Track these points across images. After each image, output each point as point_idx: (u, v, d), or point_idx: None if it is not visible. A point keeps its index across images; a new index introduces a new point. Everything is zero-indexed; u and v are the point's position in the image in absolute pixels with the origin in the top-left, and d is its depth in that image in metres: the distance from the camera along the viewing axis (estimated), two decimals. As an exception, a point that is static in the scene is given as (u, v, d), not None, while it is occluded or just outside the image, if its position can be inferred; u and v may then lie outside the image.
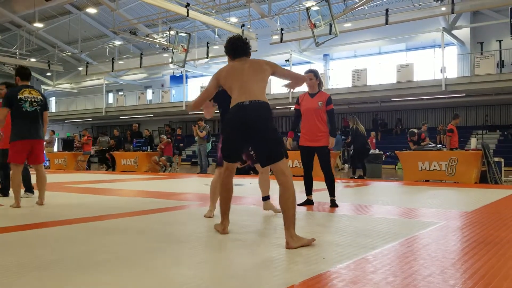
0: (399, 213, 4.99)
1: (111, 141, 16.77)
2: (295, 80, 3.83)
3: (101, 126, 34.86)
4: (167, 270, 2.53)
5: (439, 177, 9.63)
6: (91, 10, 23.61)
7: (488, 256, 2.86)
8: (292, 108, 21.61)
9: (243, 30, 18.66)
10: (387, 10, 15.64)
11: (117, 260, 2.75)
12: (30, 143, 5.37)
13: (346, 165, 12.00)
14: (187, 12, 16.34)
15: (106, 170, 16.22)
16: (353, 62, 24.55)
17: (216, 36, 24.88)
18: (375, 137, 18.50)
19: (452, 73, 20.21)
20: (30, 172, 6.59)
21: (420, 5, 18.10)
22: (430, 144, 10.69)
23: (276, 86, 23.50)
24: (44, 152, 19.70)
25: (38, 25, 25.04)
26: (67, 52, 29.85)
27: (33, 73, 31.56)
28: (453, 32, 20.16)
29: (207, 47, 20.31)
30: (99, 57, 28.60)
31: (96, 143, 17.58)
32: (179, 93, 28.10)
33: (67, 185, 8.90)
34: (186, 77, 28.10)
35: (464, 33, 20.76)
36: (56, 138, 24.04)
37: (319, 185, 5.80)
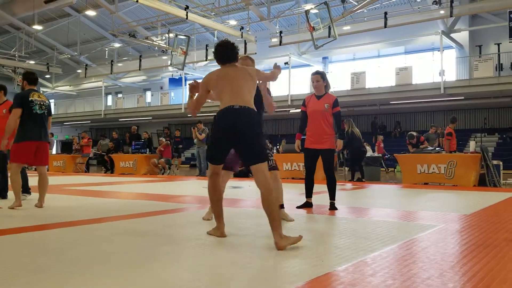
0: (398, 216, 4.99)
1: (109, 143, 16.76)
2: (271, 80, 3.92)
3: (100, 129, 34.84)
4: (166, 273, 2.52)
5: (438, 180, 9.63)
6: (90, 13, 23.60)
7: (487, 259, 2.86)
8: (291, 111, 21.57)
9: (242, 33, 18.70)
10: (386, 13, 15.69)
11: (116, 263, 2.74)
12: (36, 145, 5.42)
13: (346, 168, 12.01)
14: (187, 15, 16.37)
15: (104, 173, 16.21)
16: (352, 65, 24.60)
17: (215, 38, 24.85)
18: (382, 141, 18.47)
19: (451, 76, 20.25)
20: (32, 174, 6.59)
21: (419, 8, 18.19)
22: (428, 147, 10.70)
23: (276, 88, 23.54)
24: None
25: (37, 27, 25.03)
26: (66, 55, 29.86)
27: (32, 75, 31.67)
28: (452, 35, 20.21)
29: (206, 49, 20.34)
30: (98, 60, 28.61)
31: (97, 146, 17.58)
32: (178, 96, 28.12)
33: (65, 187, 8.89)
34: (185, 80, 28.11)
35: (462, 36, 20.81)
36: (55, 141, 24.06)
37: (318, 187, 5.80)
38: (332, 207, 5.25)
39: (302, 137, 5.50)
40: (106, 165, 16.66)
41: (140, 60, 22.86)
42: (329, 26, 14.78)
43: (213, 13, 18.83)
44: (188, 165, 23.74)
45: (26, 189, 6.39)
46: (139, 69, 23.45)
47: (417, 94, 19.69)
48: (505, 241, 3.45)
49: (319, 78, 5.37)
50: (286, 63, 22.73)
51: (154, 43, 20.90)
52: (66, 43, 29.11)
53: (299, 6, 21.46)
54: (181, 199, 6.88)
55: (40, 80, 32.36)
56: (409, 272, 2.54)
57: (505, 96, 19.05)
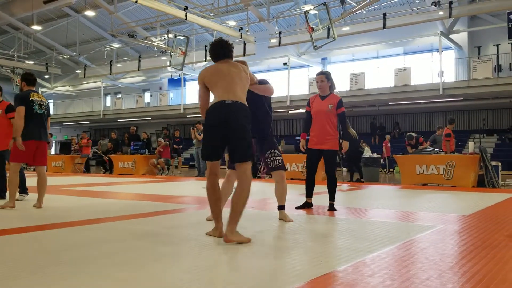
0: (397, 216, 4.99)
1: (108, 144, 16.74)
2: (257, 90, 4.09)
3: (99, 129, 34.82)
4: (165, 273, 2.52)
5: (436, 181, 9.64)
6: (90, 13, 23.60)
7: (486, 259, 2.86)
8: (290, 112, 21.55)
9: (241, 33, 18.69)
10: (385, 14, 15.70)
11: (114, 263, 2.74)
12: (36, 144, 5.43)
13: (345, 169, 12.01)
14: (186, 15, 16.36)
15: (103, 173, 16.19)
16: (351, 66, 24.61)
17: (214, 39, 24.90)
18: (390, 141, 18.46)
19: (450, 77, 20.26)
20: (31, 174, 6.58)
21: (418, 9, 18.19)
22: (428, 148, 10.71)
23: (275, 89, 23.49)
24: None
25: (36, 27, 25.02)
26: (65, 55, 29.84)
27: (31, 76, 31.67)
28: (451, 36, 20.23)
29: (205, 50, 20.31)
30: (97, 60, 28.58)
31: (97, 146, 17.55)
32: (177, 96, 28.12)
33: (64, 187, 8.88)
34: (184, 80, 28.13)
35: (461, 37, 20.84)
36: (54, 141, 24.02)
37: (317, 188, 5.80)
38: (331, 208, 5.25)
39: (307, 137, 5.50)
40: (105, 166, 16.65)
41: (139, 61, 22.85)
42: (328, 27, 14.79)
43: (212, 14, 18.83)
44: (187, 166, 23.74)
45: (23, 190, 6.38)
46: (138, 70, 23.42)
47: (416, 95, 19.70)
48: (504, 241, 3.45)
49: (324, 79, 5.36)
50: (285, 63, 22.74)
51: (153, 43, 20.89)
52: (65, 44, 29.10)
53: (298, 7, 21.46)
54: (180, 199, 6.87)
55: (39, 80, 32.50)
56: (408, 272, 2.54)
57: (504, 97, 19.07)
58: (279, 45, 18.58)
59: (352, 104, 21.53)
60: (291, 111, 23.77)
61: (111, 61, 24.73)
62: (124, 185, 10.02)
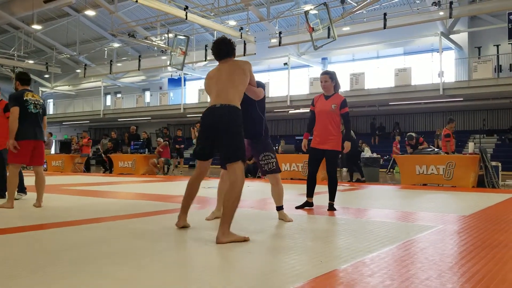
0: (397, 216, 4.99)
1: (108, 143, 16.74)
2: (252, 94, 4.05)
3: (99, 129, 34.82)
4: (165, 273, 2.52)
5: (436, 181, 9.64)
6: (90, 13, 23.59)
7: (486, 260, 2.86)
8: (290, 112, 21.55)
9: (241, 33, 18.69)
10: (385, 14, 15.70)
11: (114, 263, 2.74)
12: (33, 144, 5.42)
13: (344, 169, 12.01)
14: (186, 15, 16.35)
15: (103, 173, 16.19)
16: (351, 66, 24.60)
17: (215, 39, 24.87)
18: (399, 141, 18.43)
19: (450, 77, 20.26)
20: (29, 174, 6.58)
21: (418, 9, 18.19)
22: (428, 148, 10.71)
23: (275, 89, 23.55)
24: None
25: (36, 27, 25.01)
26: (65, 54, 29.83)
27: (31, 75, 31.61)
28: (451, 36, 20.23)
29: (206, 50, 20.33)
30: (97, 60, 28.58)
31: (99, 145, 17.54)
32: (177, 96, 28.11)
33: (64, 187, 8.88)
34: (184, 80, 28.12)
35: (462, 37, 20.83)
36: (54, 140, 24.01)
37: (317, 188, 5.79)
38: (331, 208, 5.25)
39: (310, 137, 5.49)
40: (105, 165, 16.65)
41: (139, 60, 22.84)
42: (329, 27, 14.78)
43: (212, 14, 18.82)
44: (187, 166, 23.73)
45: (22, 189, 6.38)
46: (138, 69, 23.41)
47: (416, 95, 19.69)
48: (503, 242, 3.45)
49: (327, 78, 5.35)
50: (285, 63, 22.73)
51: (154, 43, 20.89)
52: (65, 43, 29.09)
53: (299, 7, 21.45)
54: (180, 199, 6.86)
55: (39, 79, 32.58)
56: (407, 272, 2.54)
57: (504, 98, 19.07)
58: (279, 45, 18.57)
59: (352, 104, 21.47)
60: (291, 111, 23.76)
61: (111, 61, 24.72)
62: (124, 184, 10.02)
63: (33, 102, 5.46)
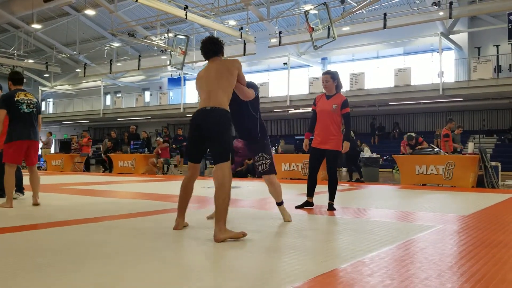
0: (396, 216, 4.99)
1: (108, 143, 16.74)
2: (242, 93, 4.00)
3: (99, 128, 34.81)
4: (164, 272, 2.52)
5: (436, 181, 9.63)
6: (90, 12, 23.58)
7: (485, 259, 2.86)
8: (290, 111, 21.53)
9: (241, 33, 18.68)
10: (385, 14, 15.70)
11: (113, 262, 2.74)
12: (27, 144, 5.41)
13: (344, 169, 12.01)
14: (186, 15, 16.34)
15: (103, 172, 16.19)
16: (351, 66, 24.61)
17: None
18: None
19: (450, 77, 20.27)
20: (26, 173, 6.57)
21: (418, 9, 18.19)
22: (427, 148, 10.71)
23: (274, 89, 23.54)
24: (40, 153, 19.76)
25: (36, 26, 25.00)
26: (65, 54, 29.81)
27: (30, 75, 31.78)
28: (451, 36, 20.23)
29: (205, 49, 20.28)
30: (97, 59, 28.57)
31: (102, 145, 17.53)
32: (177, 96, 28.11)
33: (63, 186, 8.87)
34: (184, 80, 28.11)
35: (461, 37, 20.84)
36: (53, 140, 24.00)
37: (316, 188, 5.80)
38: (330, 208, 5.25)
39: (311, 137, 5.49)
40: (105, 165, 16.64)
41: (139, 60, 22.83)
42: (328, 27, 14.78)
43: (212, 13, 18.82)
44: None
45: (20, 189, 6.38)
46: (138, 69, 23.40)
47: (416, 95, 19.70)
48: (503, 241, 3.45)
49: (329, 79, 5.34)
50: (285, 63, 22.73)
51: (153, 42, 20.88)
52: (65, 42, 29.07)
53: (299, 7, 21.45)
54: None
55: (38, 79, 32.58)
56: (407, 272, 2.54)
57: (503, 98, 19.08)
58: (279, 45, 18.56)
59: (352, 104, 21.36)
60: (291, 111, 23.76)
61: (111, 60, 24.71)
62: (123, 184, 10.02)
63: (25, 101, 5.42)
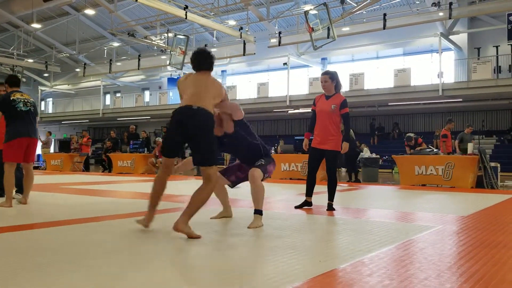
0: (396, 217, 4.99)
1: (107, 142, 16.73)
2: (226, 108, 4.00)
3: (98, 128, 34.80)
4: (164, 272, 2.52)
5: (435, 182, 9.64)
6: (89, 12, 23.56)
7: (485, 260, 2.87)
8: (289, 112, 21.54)
9: (241, 33, 18.69)
10: (385, 14, 15.71)
11: (112, 261, 2.74)
12: (27, 141, 5.41)
13: (343, 169, 12.01)
14: (186, 15, 16.35)
15: (102, 172, 16.19)
16: (350, 66, 24.62)
17: (214, 38, 24.92)
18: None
19: (449, 78, 20.28)
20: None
21: (418, 10, 18.19)
22: (427, 148, 10.71)
23: (274, 89, 23.55)
24: (40, 153, 19.76)
25: (36, 25, 24.98)
26: (64, 53, 29.80)
27: (30, 74, 31.77)
28: (451, 37, 20.24)
29: (205, 49, 20.29)
30: (97, 59, 28.56)
31: (104, 144, 17.54)
32: (177, 95, 27.90)
33: (63, 186, 8.87)
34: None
35: (461, 38, 20.85)
36: (53, 139, 23.99)
37: (316, 188, 5.80)
38: (330, 208, 5.25)
39: (311, 137, 5.49)
40: (104, 164, 16.64)
41: (139, 60, 22.83)
42: (328, 27, 14.78)
43: (212, 13, 18.82)
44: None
45: (20, 190, 6.37)
46: (138, 69, 23.40)
47: (415, 96, 19.70)
48: (502, 242, 3.45)
49: (327, 79, 5.34)
50: (285, 63, 22.73)
51: (153, 42, 20.88)
52: (65, 42, 29.06)
53: (298, 7, 21.45)
54: (180, 198, 6.87)
55: (38, 78, 32.56)
56: (406, 272, 2.55)
57: (503, 99, 19.09)
58: (279, 45, 18.57)
59: (352, 105, 21.41)
60: (291, 111, 23.76)
61: (110, 60, 24.71)
62: (123, 184, 10.01)
63: (22, 100, 5.44)
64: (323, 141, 5.27)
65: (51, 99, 36.16)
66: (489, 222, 4.51)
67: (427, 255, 2.97)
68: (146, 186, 9.31)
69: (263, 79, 25.93)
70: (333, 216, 4.85)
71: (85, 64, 26.77)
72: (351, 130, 11.24)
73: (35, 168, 15.66)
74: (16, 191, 6.09)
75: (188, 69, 26.17)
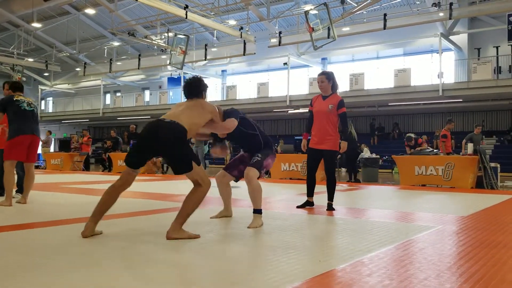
0: (396, 217, 4.99)
1: (107, 142, 16.73)
2: (217, 129, 3.97)
3: (98, 127, 34.80)
4: (163, 272, 2.52)
5: (435, 182, 9.64)
6: (90, 11, 23.57)
7: (484, 260, 2.87)
8: (289, 112, 21.54)
9: (241, 33, 18.69)
10: (385, 14, 15.70)
11: (111, 261, 2.74)
12: (30, 139, 5.43)
13: (343, 169, 12.01)
14: (186, 14, 16.34)
15: (102, 171, 16.18)
16: (350, 66, 24.62)
17: (215, 38, 24.91)
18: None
19: (449, 78, 20.28)
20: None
21: (418, 10, 18.20)
22: (427, 149, 10.71)
23: (274, 89, 23.55)
24: (40, 152, 19.75)
25: (36, 25, 24.98)
26: (65, 53, 29.80)
27: (30, 73, 31.76)
28: (451, 37, 20.24)
29: (205, 49, 20.32)
30: (97, 58, 28.57)
31: (105, 144, 17.55)
32: (177, 95, 28.09)
33: (63, 185, 8.87)
34: (184, 79, 28.09)
35: (461, 38, 20.85)
36: (53, 139, 23.99)
37: (316, 188, 5.80)
38: (330, 208, 5.25)
39: (309, 137, 5.50)
40: (104, 164, 16.63)
41: (139, 59, 22.81)
42: (329, 27, 14.78)
43: (212, 13, 18.82)
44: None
45: (21, 190, 6.37)
46: (138, 68, 23.38)
47: (415, 96, 19.71)
48: (502, 242, 3.45)
49: (324, 79, 5.35)
50: (285, 63, 22.73)
51: (153, 42, 20.88)
52: (65, 41, 29.06)
53: (299, 7, 21.46)
54: (180, 198, 6.86)
55: (38, 78, 32.56)
56: (406, 272, 2.55)
57: (503, 99, 19.09)
58: (279, 45, 18.55)
59: (352, 105, 21.53)
60: (291, 111, 23.76)
61: (111, 59, 24.69)
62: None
63: (25, 101, 5.53)
64: (320, 141, 5.28)
65: (51, 98, 36.16)
66: (489, 222, 4.51)
67: (427, 255, 2.97)
68: (146, 185, 9.33)
69: (263, 79, 25.93)
70: (333, 216, 4.85)
71: (85, 63, 26.76)
72: (353, 131, 11.30)
73: (35, 167, 15.66)
74: (16, 191, 6.10)
75: (188, 68, 26.23)
